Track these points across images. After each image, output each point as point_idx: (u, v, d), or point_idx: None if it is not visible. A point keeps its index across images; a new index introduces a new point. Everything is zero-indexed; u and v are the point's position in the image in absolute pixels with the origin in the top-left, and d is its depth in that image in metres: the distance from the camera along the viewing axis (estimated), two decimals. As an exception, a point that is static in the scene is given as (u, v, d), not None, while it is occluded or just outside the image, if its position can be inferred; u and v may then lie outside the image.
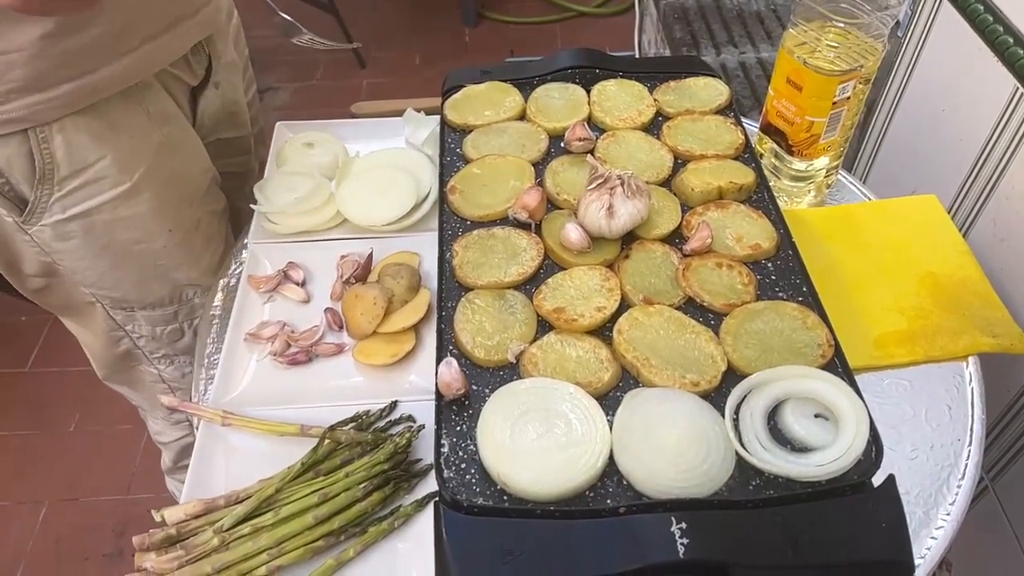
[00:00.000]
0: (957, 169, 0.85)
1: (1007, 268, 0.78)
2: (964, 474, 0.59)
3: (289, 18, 0.64)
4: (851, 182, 0.85)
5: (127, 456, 1.50)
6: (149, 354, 0.87)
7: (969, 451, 0.60)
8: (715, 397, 0.55)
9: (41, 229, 0.71)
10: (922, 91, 0.92)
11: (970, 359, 0.66)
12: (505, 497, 0.50)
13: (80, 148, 0.67)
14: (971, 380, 0.65)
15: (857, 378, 0.58)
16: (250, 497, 0.55)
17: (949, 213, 0.87)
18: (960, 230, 0.85)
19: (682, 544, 0.46)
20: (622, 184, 0.63)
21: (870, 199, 0.82)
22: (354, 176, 0.80)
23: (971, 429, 0.62)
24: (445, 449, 0.53)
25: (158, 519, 0.55)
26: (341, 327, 0.69)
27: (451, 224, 0.68)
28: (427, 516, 0.57)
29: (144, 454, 1.50)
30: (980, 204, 0.82)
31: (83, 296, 0.80)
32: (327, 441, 0.59)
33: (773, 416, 0.54)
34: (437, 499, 0.51)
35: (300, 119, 0.91)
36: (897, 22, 0.79)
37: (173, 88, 0.75)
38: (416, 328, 0.68)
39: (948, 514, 0.57)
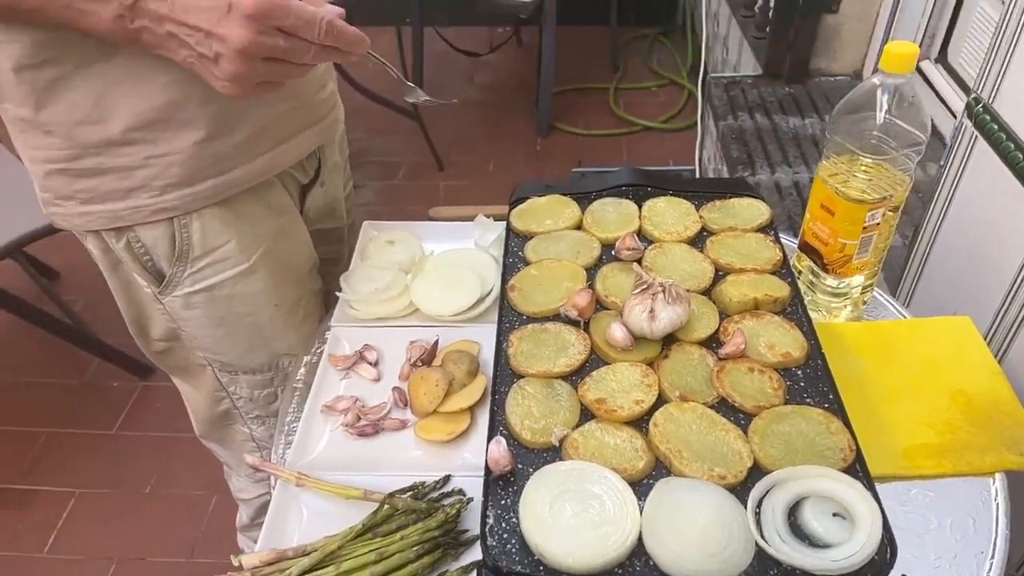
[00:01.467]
0: (994, 294, 0.89)
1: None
2: (987, 586, 0.61)
3: (401, 77, 0.75)
4: (888, 301, 0.90)
5: (195, 521, 1.59)
6: (245, 414, 0.96)
7: (991, 563, 0.62)
8: (740, 490, 0.60)
9: (173, 299, 0.83)
10: (961, 219, 0.97)
11: (997, 475, 0.69)
12: (542, 567, 0.55)
13: (212, 233, 0.80)
14: (997, 495, 0.68)
15: (884, 486, 0.62)
16: (316, 551, 0.62)
17: (987, 335, 0.90)
18: (997, 352, 0.88)
19: (699, 622, 0.50)
20: (664, 291, 0.71)
21: (906, 317, 0.87)
22: (427, 272, 0.90)
23: (994, 544, 0.64)
24: (490, 520, 0.59)
25: (236, 563, 0.62)
26: (406, 405, 0.77)
27: (509, 318, 0.76)
28: (470, 582, 0.62)
29: (210, 521, 1.59)
30: (1015, 327, 0.86)
31: (197, 359, 0.91)
32: (386, 506, 0.66)
33: (793, 512, 0.58)
34: (481, 565, 0.57)
35: (383, 215, 1.03)
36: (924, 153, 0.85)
37: (288, 185, 0.88)
38: (472, 410, 0.76)
39: (969, 623, 0.59)
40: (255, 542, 0.82)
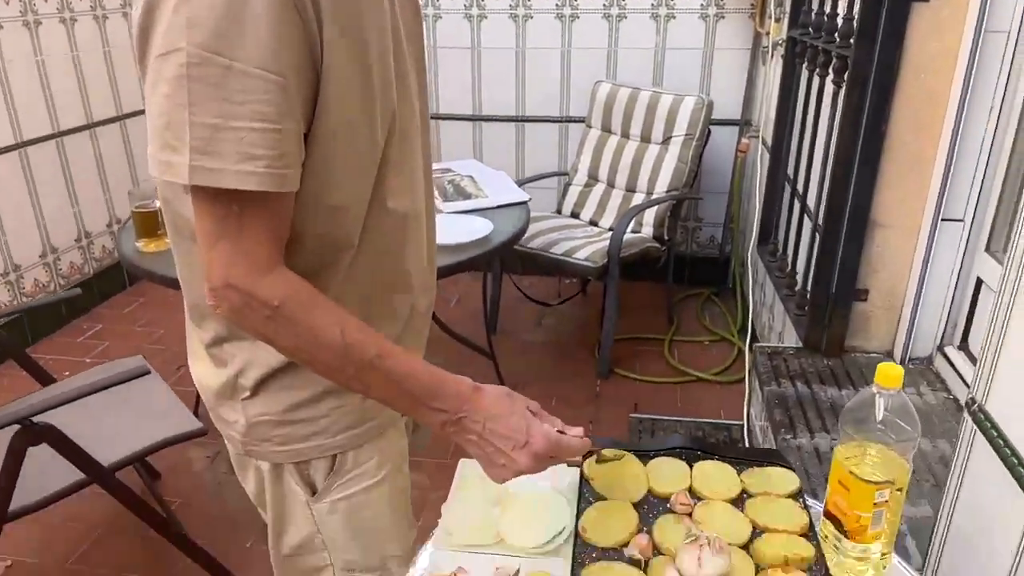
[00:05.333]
0: (1000, 571, 1.02)
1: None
2: None
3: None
4: (906, 568, 1.03)
5: None
6: None
7: None
8: None
9: (321, 505, 1.04)
10: (969, 504, 1.13)
11: None
12: None
13: (362, 453, 1.04)
14: None
15: None
16: None
17: (1000, 608, 1.02)
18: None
19: None
20: (709, 543, 0.89)
21: (922, 584, 1.00)
22: (513, 507, 1.10)
23: None
24: None
25: None
26: (493, 622, 0.93)
27: (581, 555, 0.94)
28: None
29: None
30: (1022, 603, 0.98)
31: (320, 562, 1.08)
32: None
33: None
34: None
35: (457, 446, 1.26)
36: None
37: None
38: (547, 636, 0.91)
39: None
40: None
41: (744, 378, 2.29)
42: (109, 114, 3.60)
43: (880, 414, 0.94)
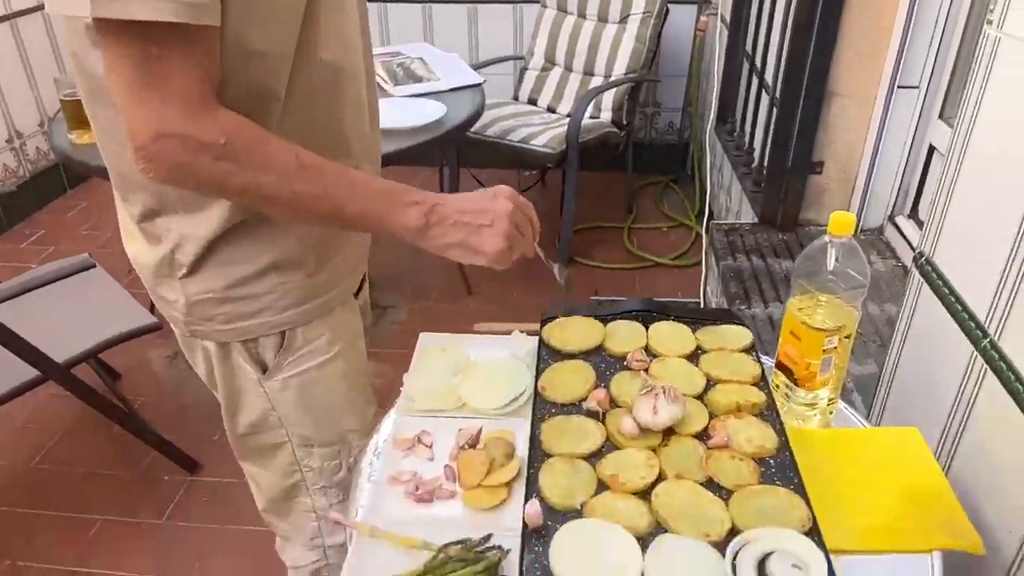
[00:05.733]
0: (941, 412, 1.08)
1: (978, 488, 0.98)
2: (921, 637, 0.77)
3: (547, 259, 1.05)
4: (852, 414, 1.08)
5: (231, 607, 1.71)
6: (311, 486, 1.14)
7: (926, 621, 0.78)
8: (720, 545, 0.77)
9: (273, 382, 1.03)
10: (915, 349, 1.18)
11: (934, 553, 0.85)
12: (566, 595, 0.72)
13: (311, 330, 1.02)
14: (933, 569, 0.84)
15: (839, 558, 0.79)
16: (387, 584, 0.79)
17: (940, 441, 1.08)
18: (949, 453, 1.06)
19: (686, 636, 0.67)
20: (664, 392, 0.91)
21: (866, 426, 1.05)
22: (473, 374, 1.11)
23: (929, 605, 0.80)
24: (526, 562, 0.76)
25: (324, 591, 0.79)
26: (455, 479, 0.95)
27: (541, 411, 0.96)
28: (508, 616, 0.78)
29: (246, 607, 1.71)
30: (957, 438, 1.04)
31: (278, 438, 1.09)
32: (441, 554, 0.83)
33: (762, 564, 0.75)
34: (519, 592, 0.73)
35: (416, 333, 1.25)
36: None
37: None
38: (509, 484, 0.93)
39: (904, 663, 0.74)
40: None
41: (701, 261, 2.33)
42: (30, 2, 3.33)
43: (831, 263, 0.95)
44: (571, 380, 1.00)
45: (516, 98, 3.37)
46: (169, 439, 2.05)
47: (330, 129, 0.95)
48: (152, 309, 1.95)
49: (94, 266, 1.81)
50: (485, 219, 0.89)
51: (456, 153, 3.11)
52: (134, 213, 0.94)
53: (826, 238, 0.95)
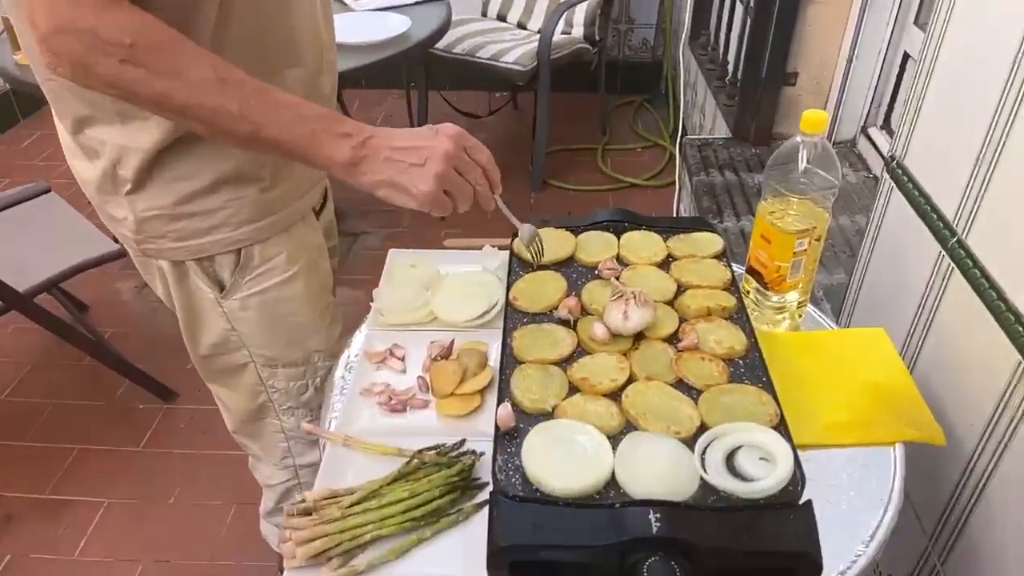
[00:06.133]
0: (906, 312, 1.09)
1: (941, 384, 1.00)
2: (880, 523, 0.79)
3: (514, 219, 1.01)
4: (821, 317, 1.09)
5: (215, 528, 1.73)
6: (278, 407, 1.13)
7: (886, 507, 0.81)
8: (689, 442, 0.78)
9: (232, 302, 1.01)
10: (883, 252, 1.18)
11: (897, 445, 0.88)
12: (538, 492, 0.73)
13: (269, 248, 0.99)
14: (895, 460, 0.86)
15: (807, 452, 0.81)
16: (361, 490, 0.80)
17: (905, 341, 1.10)
18: (914, 352, 1.08)
19: (656, 526, 0.68)
20: (635, 297, 0.90)
21: (833, 328, 1.07)
22: (444, 288, 1.09)
23: (891, 492, 0.82)
24: (500, 461, 0.76)
25: (299, 499, 0.80)
26: (428, 390, 0.96)
27: (512, 321, 0.95)
28: (481, 516, 0.79)
29: (230, 528, 1.73)
30: (923, 337, 1.06)
31: (241, 359, 1.07)
32: (415, 460, 0.83)
33: (730, 457, 0.76)
34: (492, 490, 0.74)
35: None
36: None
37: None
38: (482, 393, 0.94)
39: (865, 545, 0.77)
40: (278, 527, 0.95)
41: (675, 180, 2.32)
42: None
43: (803, 164, 0.94)
44: (542, 289, 1.00)
45: (484, 14, 3.25)
46: (143, 369, 2.03)
47: (280, 36, 0.89)
48: (116, 239, 1.90)
49: (49, 190, 1.75)
50: (417, 157, 0.82)
51: (424, 73, 3.02)
52: (67, 124, 0.89)
53: (798, 138, 0.93)
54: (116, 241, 1.88)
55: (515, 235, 1.11)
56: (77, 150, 0.92)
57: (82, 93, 0.84)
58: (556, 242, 1.08)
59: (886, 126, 1.89)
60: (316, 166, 0.83)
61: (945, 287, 1.00)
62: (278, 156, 0.83)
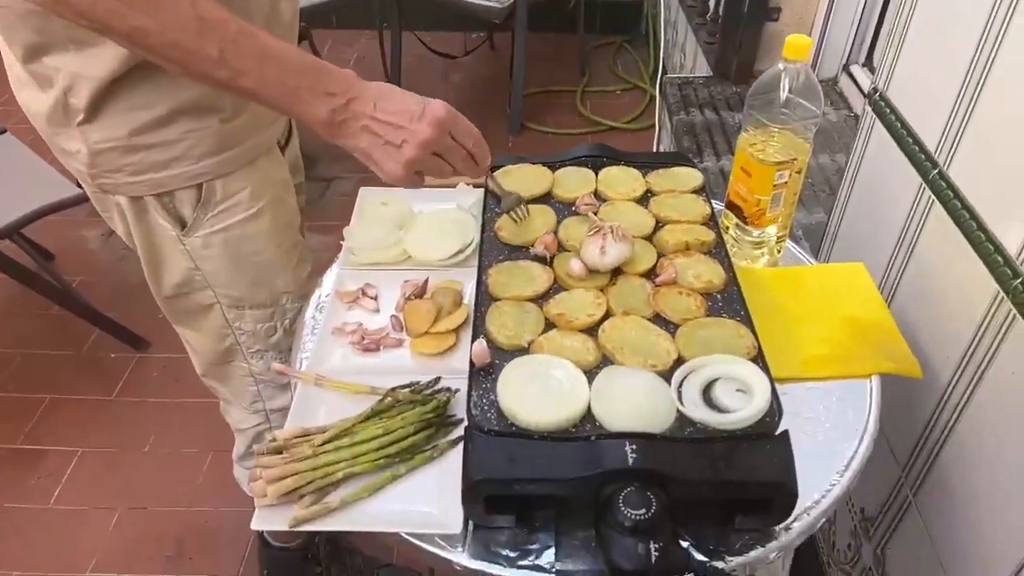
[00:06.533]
0: (886, 246, 1.08)
1: (919, 317, 1.00)
2: (855, 454, 0.79)
3: (502, 189, 0.97)
4: (800, 253, 1.08)
5: (191, 475, 1.72)
6: (246, 349, 1.10)
7: (861, 438, 0.81)
8: (667, 375, 0.77)
9: (194, 240, 0.97)
10: (863, 187, 1.17)
11: (873, 378, 0.87)
12: (514, 427, 0.72)
13: (231, 183, 0.95)
14: (871, 392, 0.86)
15: (784, 386, 0.80)
16: (334, 428, 0.78)
17: (884, 276, 1.10)
18: (892, 286, 1.07)
19: (632, 458, 0.67)
20: (612, 232, 0.88)
21: (812, 263, 1.06)
22: (417, 227, 1.06)
23: (866, 423, 0.82)
24: (475, 397, 0.75)
25: (269, 438, 0.78)
26: (402, 329, 0.93)
27: (488, 258, 0.93)
28: (456, 452, 0.78)
29: (205, 474, 1.72)
30: (901, 272, 1.05)
31: (207, 299, 1.04)
32: (388, 398, 0.82)
33: (707, 390, 0.76)
34: (467, 426, 0.73)
35: None
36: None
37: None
38: (456, 331, 0.92)
39: (840, 475, 0.77)
40: (248, 471, 0.93)
41: (655, 122, 2.28)
42: None
43: (785, 93, 0.91)
44: (529, 222, 0.97)
45: (459, -50, 3.13)
46: (112, 318, 1.99)
47: None
48: (80, 184, 1.83)
49: (5, 131, 1.67)
50: (395, 136, 0.79)
51: (397, 12, 2.91)
52: (18, 53, 0.84)
53: (780, 65, 0.90)
54: (79, 185, 1.82)
55: (490, 169, 1.07)
56: (28, 80, 0.87)
57: (34, 20, 0.79)
58: (533, 178, 1.05)
59: (868, 63, 1.85)
60: (296, 119, 0.81)
61: (925, 220, 0.99)
62: (257, 103, 0.80)
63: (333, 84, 0.78)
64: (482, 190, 1.07)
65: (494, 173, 1.06)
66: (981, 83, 0.87)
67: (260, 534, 1.39)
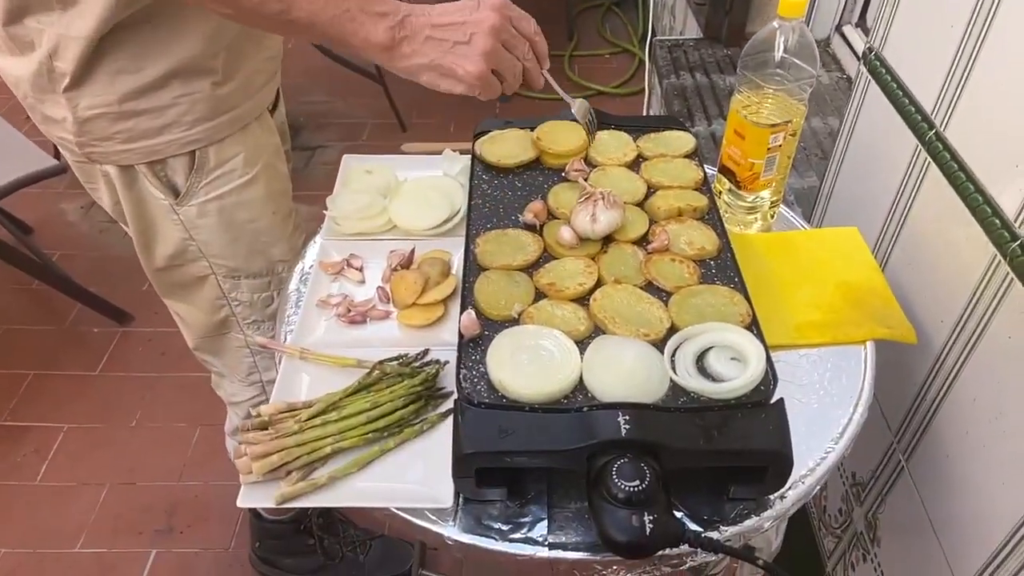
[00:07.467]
0: (881, 210, 1.07)
1: (913, 282, 0.99)
2: (850, 420, 0.78)
3: (564, 94, 0.94)
4: (793, 217, 1.06)
5: (180, 449, 1.71)
6: (242, 320, 1.08)
7: (856, 405, 0.80)
8: (659, 344, 0.75)
9: (188, 209, 0.95)
10: (857, 147, 1.15)
11: (868, 344, 0.86)
12: (504, 399, 0.70)
13: (225, 149, 0.93)
14: (866, 359, 0.85)
15: (779, 352, 0.79)
16: (320, 402, 0.76)
17: (878, 241, 1.08)
18: (886, 251, 1.06)
19: (625, 428, 0.66)
20: (603, 198, 0.86)
21: (805, 228, 1.04)
22: (402, 195, 1.04)
23: (860, 390, 0.81)
24: (464, 369, 0.73)
25: (254, 414, 0.76)
26: (389, 301, 0.91)
27: (476, 225, 0.90)
28: (446, 425, 0.77)
29: (195, 448, 1.71)
30: (895, 236, 1.04)
31: (200, 271, 1.01)
32: (376, 371, 0.80)
33: (701, 359, 0.74)
34: (456, 398, 0.71)
35: None
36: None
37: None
38: (445, 303, 0.90)
39: (835, 442, 0.76)
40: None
41: (645, 87, 2.24)
42: None
43: (779, 52, 0.88)
44: (564, 135, 0.97)
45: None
46: (94, 292, 1.96)
47: None
48: (58, 155, 1.78)
49: (-26, 102, 1.62)
50: (462, 34, 0.76)
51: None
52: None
53: (775, 23, 0.88)
54: (57, 157, 1.77)
55: (476, 135, 1.04)
56: (9, 44, 0.84)
57: None
58: (519, 144, 1.03)
59: (861, 23, 1.82)
60: (353, 48, 0.77)
61: (920, 182, 0.97)
62: (309, 38, 0.77)
63: (384, 3, 0.75)
64: (468, 156, 1.04)
65: (480, 139, 1.04)
66: (980, 41, 0.85)
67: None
